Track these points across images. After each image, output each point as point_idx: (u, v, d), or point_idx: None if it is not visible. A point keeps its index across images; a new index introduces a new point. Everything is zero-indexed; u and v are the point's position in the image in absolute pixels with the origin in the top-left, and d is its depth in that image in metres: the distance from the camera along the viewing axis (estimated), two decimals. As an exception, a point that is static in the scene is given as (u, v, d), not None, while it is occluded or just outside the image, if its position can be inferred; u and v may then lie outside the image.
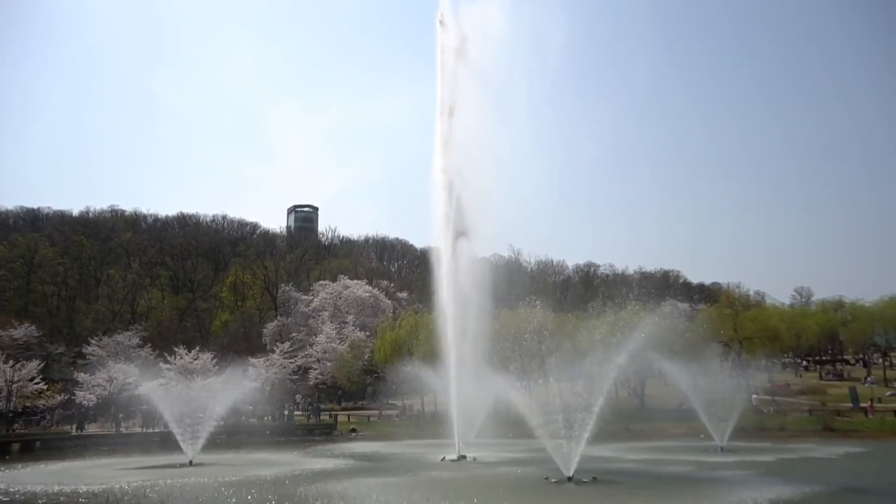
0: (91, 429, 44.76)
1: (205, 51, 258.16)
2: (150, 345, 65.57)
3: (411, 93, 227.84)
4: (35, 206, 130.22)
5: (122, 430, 43.59)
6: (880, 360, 72.72)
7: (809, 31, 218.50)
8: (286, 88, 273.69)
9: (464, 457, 27.00)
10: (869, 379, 62.20)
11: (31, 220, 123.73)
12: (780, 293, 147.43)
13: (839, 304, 75.19)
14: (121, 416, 46.29)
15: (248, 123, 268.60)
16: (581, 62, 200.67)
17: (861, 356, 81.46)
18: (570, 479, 19.63)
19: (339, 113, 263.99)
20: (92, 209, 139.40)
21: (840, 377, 68.93)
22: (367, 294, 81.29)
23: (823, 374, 72.01)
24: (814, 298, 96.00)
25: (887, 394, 53.28)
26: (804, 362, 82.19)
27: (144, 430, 43.12)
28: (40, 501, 17.92)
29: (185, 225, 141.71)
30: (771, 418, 43.55)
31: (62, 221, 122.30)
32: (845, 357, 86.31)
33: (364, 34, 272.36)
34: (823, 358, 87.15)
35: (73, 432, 42.82)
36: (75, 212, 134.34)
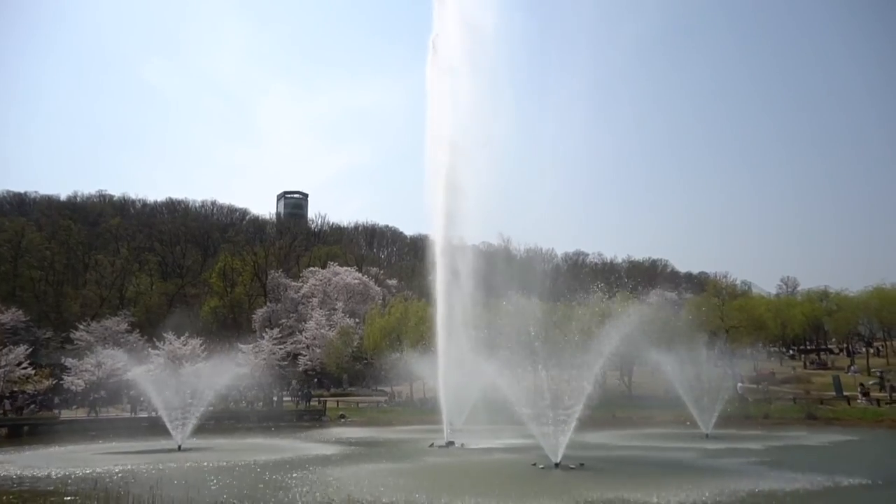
0: (78, 414, 44.64)
1: (195, 37, 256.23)
2: (138, 330, 65.40)
3: (401, 80, 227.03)
4: (22, 191, 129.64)
5: (94, 415, 43.11)
6: (864, 350, 73.66)
7: (801, 23, 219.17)
8: (276, 74, 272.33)
9: (452, 443, 27.22)
10: (852, 368, 62.93)
11: (18, 205, 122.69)
12: (766, 283, 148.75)
13: (824, 295, 75.91)
14: (94, 397, 45.87)
15: (238, 109, 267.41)
16: (573, 54, 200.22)
17: (845, 345, 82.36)
18: (557, 465, 19.90)
19: (329, 99, 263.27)
20: (80, 194, 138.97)
21: (824, 366, 69.70)
22: (356, 281, 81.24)
23: (808, 363, 72.78)
24: (799, 288, 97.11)
25: (870, 382, 53.94)
26: (789, 351, 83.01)
27: (132, 415, 43.10)
28: (25, 486, 17.96)
29: (174, 210, 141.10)
30: (755, 406, 44.03)
31: (49, 206, 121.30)
32: (829, 346, 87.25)
33: (354, 20, 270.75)
34: (808, 347, 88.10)
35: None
36: (63, 196, 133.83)
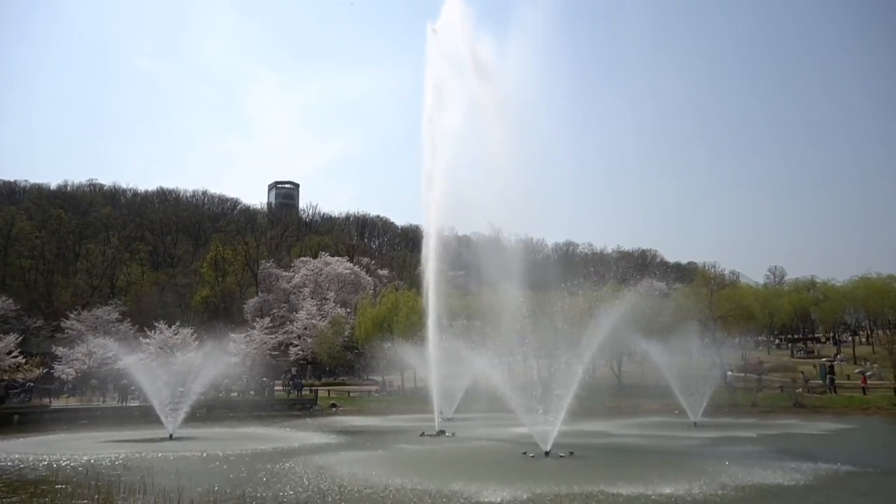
0: (70, 402, 44.60)
1: (186, 25, 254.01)
2: (129, 319, 65.16)
3: (392, 68, 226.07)
4: (12, 179, 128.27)
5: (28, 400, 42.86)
6: (850, 339, 74.44)
7: (793, 12, 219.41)
8: (266, 63, 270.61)
9: (443, 432, 27.41)
10: (839, 357, 63.60)
11: (8, 193, 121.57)
12: (754, 273, 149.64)
13: (811, 284, 76.64)
14: (30, 385, 45.52)
15: (229, 98, 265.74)
16: (566, 44, 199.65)
17: (832, 334, 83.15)
18: (547, 453, 20.11)
19: (319, 88, 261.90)
20: (70, 183, 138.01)
21: (811, 355, 70.36)
22: (347, 271, 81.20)
23: (795, 352, 73.44)
24: (787, 278, 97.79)
25: (856, 371, 54.59)
26: (777, 340, 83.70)
27: (122, 403, 43.09)
28: (15, 474, 17.99)
29: (165, 200, 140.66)
30: (743, 395, 44.50)
31: (40, 195, 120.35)
32: (816, 335, 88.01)
33: (344, 7, 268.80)
34: (795, 336, 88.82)
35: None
36: (53, 185, 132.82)
